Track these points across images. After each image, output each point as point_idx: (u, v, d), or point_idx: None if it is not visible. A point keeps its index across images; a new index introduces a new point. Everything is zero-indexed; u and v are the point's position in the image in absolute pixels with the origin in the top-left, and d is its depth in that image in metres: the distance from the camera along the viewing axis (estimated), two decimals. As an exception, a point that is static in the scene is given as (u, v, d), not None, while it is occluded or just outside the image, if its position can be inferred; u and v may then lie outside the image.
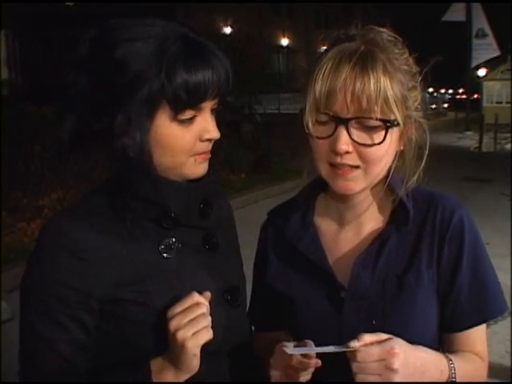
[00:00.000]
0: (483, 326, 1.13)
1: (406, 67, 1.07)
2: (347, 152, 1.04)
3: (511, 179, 9.44)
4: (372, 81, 1.00)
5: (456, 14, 23.60)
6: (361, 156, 1.05)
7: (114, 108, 0.99)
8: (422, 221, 1.12)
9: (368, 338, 0.96)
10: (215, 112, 1.08)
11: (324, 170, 1.09)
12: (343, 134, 1.03)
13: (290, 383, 1.02)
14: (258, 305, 1.29)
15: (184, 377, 0.97)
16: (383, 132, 1.03)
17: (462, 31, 23.91)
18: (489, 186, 10.58)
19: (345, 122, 1.03)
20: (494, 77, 33.47)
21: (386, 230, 1.13)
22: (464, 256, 1.10)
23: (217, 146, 1.12)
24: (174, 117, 1.00)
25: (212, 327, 1.01)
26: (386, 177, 1.12)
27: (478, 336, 1.13)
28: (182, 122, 1.01)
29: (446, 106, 53.35)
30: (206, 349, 1.00)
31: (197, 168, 1.07)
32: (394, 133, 1.06)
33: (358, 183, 1.07)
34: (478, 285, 1.11)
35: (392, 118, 1.03)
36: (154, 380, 0.97)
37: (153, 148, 1.01)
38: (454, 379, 1.04)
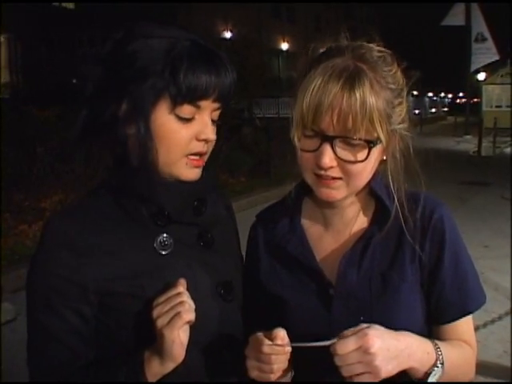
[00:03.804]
0: (469, 316, 1.19)
1: (393, 85, 1.11)
2: (331, 166, 1.09)
3: (511, 182, 9.48)
4: (359, 103, 1.04)
5: (455, 18, 23.61)
6: (344, 170, 1.10)
7: (121, 95, 1.07)
8: (404, 219, 1.17)
9: (347, 332, 1.00)
10: (216, 120, 1.14)
11: (309, 178, 1.15)
12: (328, 151, 1.08)
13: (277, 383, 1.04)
14: (249, 304, 1.29)
15: (169, 365, 1.01)
16: (366, 150, 1.08)
17: (462, 35, 23.96)
18: (487, 189, 10.62)
19: (330, 140, 1.08)
20: (494, 81, 33.45)
21: (370, 230, 1.18)
22: (445, 252, 1.16)
23: (216, 149, 1.18)
24: (173, 109, 1.06)
25: (205, 320, 1.08)
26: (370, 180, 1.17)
27: (464, 326, 1.19)
28: (180, 118, 1.07)
29: (445, 109, 53.41)
30: (198, 341, 1.06)
31: (188, 172, 1.12)
32: (377, 148, 1.11)
33: (340, 192, 1.13)
34: (459, 280, 1.17)
35: (375, 136, 1.08)
36: (145, 368, 1.01)
37: (151, 138, 1.07)
38: (441, 361, 1.08)
